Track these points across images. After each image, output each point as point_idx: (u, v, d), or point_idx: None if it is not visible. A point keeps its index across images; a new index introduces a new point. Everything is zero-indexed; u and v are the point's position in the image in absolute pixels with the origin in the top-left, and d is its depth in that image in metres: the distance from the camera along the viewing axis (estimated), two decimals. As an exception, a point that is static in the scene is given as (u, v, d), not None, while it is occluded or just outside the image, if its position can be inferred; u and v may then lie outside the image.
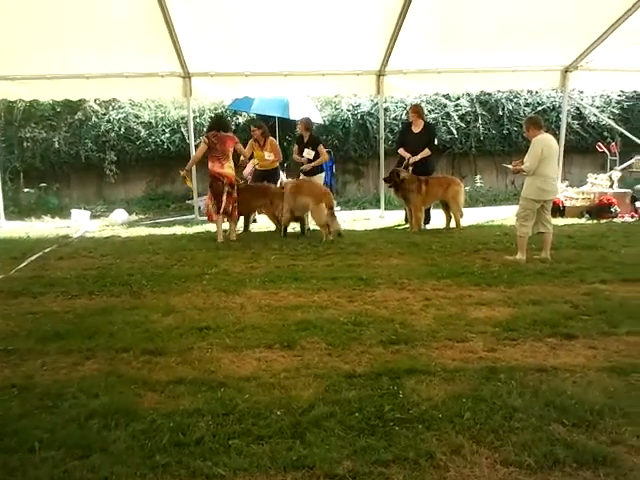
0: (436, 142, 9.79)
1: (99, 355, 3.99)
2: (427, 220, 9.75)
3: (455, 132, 14.24)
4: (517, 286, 5.61)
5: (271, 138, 9.84)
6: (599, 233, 8.61)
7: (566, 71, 10.97)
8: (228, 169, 8.37)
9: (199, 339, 4.27)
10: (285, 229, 8.90)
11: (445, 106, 14.45)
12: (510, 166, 7.15)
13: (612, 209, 10.14)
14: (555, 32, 9.49)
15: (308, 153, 9.34)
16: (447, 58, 10.23)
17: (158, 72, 10.39)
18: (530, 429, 2.87)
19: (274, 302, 5.23)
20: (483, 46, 9.89)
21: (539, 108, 14.36)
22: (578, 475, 2.53)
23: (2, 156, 12.04)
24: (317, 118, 13.22)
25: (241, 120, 14.36)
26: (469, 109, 14.46)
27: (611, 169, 11.24)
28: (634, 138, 11.76)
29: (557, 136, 9.72)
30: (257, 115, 13.60)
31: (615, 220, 9.93)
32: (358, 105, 14.41)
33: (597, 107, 14.27)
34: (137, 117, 14.15)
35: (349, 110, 14.39)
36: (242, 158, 9.18)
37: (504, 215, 10.54)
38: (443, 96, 14.24)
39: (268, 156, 9.50)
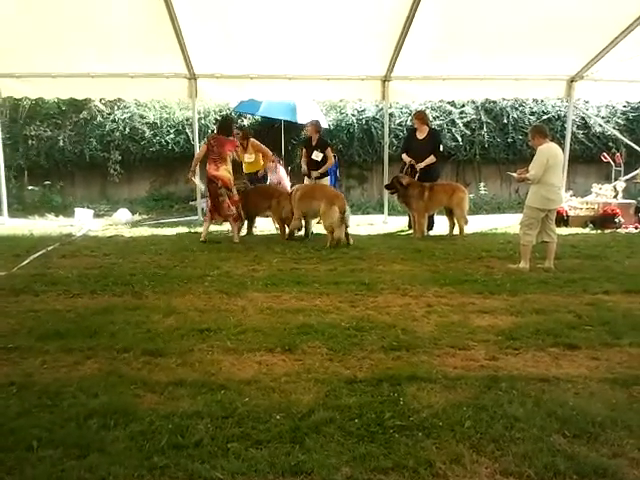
0: (442, 149, 9.77)
1: (99, 355, 3.98)
2: (431, 226, 9.75)
3: (460, 139, 14.25)
4: (520, 295, 5.58)
5: (252, 140, 9.79)
6: (603, 243, 8.59)
7: (572, 81, 10.98)
8: (223, 172, 8.33)
9: (200, 341, 4.26)
10: (292, 234, 8.82)
11: (450, 113, 14.46)
12: (515, 174, 7.13)
13: (616, 219, 10.13)
14: (561, 42, 9.51)
15: (316, 155, 9.40)
16: (453, 65, 10.24)
17: (164, 73, 10.43)
18: (531, 439, 2.85)
19: (276, 305, 5.22)
20: (489, 54, 9.91)
21: (544, 117, 14.36)
22: (579, 487, 2.51)
23: (7, 154, 12.05)
24: (323, 122, 13.24)
25: (246, 123, 14.36)
26: (474, 116, 14.47)
27: (616, 179, 11.22)
28: (639, 149, 11.75)
29: (562, 145, 9.71)
30: (263, 118, 13.62)
31: (619, 231, 9.92)
32: (363, 110, 14.43)
33: (602, 117, 14.25)
34: (142, 117, 14.19)
35: (354, 115, 14.42)
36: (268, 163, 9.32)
37: (508, 223, 10.51)
38: (448, 103, 14.26)
39: (248, 158, 9.55)
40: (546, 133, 6.81)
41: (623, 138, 12.75)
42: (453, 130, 14.30)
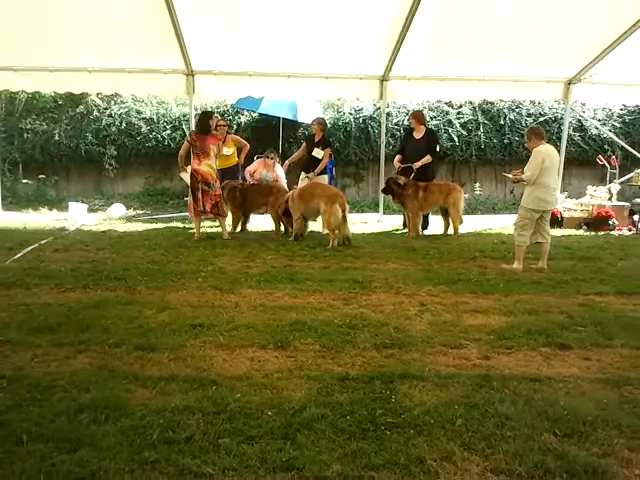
0: (438, 149, 9.79)
1: (91, 349, 3.96)
2: (425, 226, 9.76)
3: (456, 140, 14.29)
4: (513, 295, 5.59)
5: (231, 135, 10.03)
6: (596, 245, 8.62)
7: (569, 83, 11.01)
8: (205, 166, 8.25)
9: (192, 336, 4.24)
10: (297, 236, 8.60)
11: (447, 113, 14.50)
12: (510, 175, 7.15)
13: (610, 222, 10.17)
14: (559, 45, 9.53)
15: (317, 152, 9.40)
16: (451, 66, 10.26)
17: (162, 69, 10.41)
18: (522, 438, 2.85)
19: (269, 302, 5.21)
20: (487, 55, 9.93)
21: (541, 119, 14.41)
22: (569, 486, 2.52)
23: (2, 147, 12.01)
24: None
25: (243, 120, 14.35)
26: (471, 117, 14.52)
27: (611, 182, 11.27)
28: (634, 152, 11.80)
29: (558, 147, 9.73)
30: (261, 115, 13.61)
31: (612, 233, 9.96)
32: (360, 109, 14.46)
33: (599, 120, 14.32)
34: (139, 113, 14.18)
35: (351, 114, 14.44)
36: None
37: (502, 224, 10.55)
38: (445, 103, 14.31)
39: (226, 151, 9.53)
40: (542, 135, 6.82)
41: (619, 141, 12.80)
42: (450, 130, 14.35)
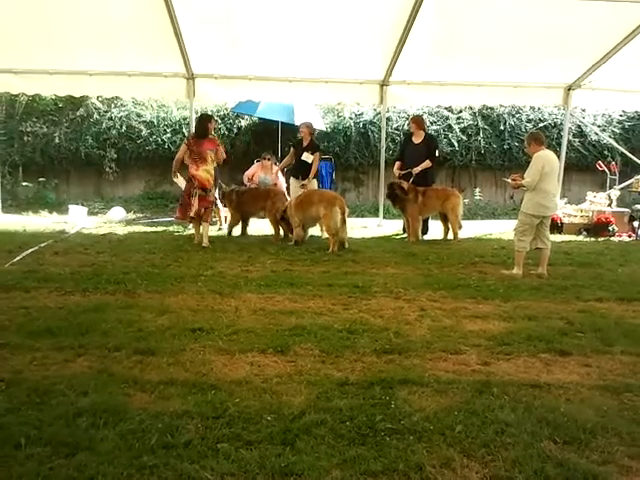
0: (437, 154, 9.80)
1: (90, 353, 3.95)
2: (425, 231, 9.77)
3: (456, 145, 14.30)
4: (513, 301, 5.59)
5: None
6: (596, 251, 8.62)
7: (569, 89, 11.03)
8: (202, 172, 8.16)
9: (192, 341, 4.24)
10: (296, 242, 8.57)
11: (447, 118, 14.51)
12: (509, 180, 7.15)
13: (610, 228, 10.18)
14: (559, 50, 9.55)
15: (307, 157, 9.41)
16: (451, 71, 10.27)
17: (162, 72, 10.40)
18: (521, 445, 2.85)
19: (269, 306, 5.21)
20: (487, 61, 9.95)
21: (541, 124, 14.41)
22: (568, 493, 2.51)
23: (2, 149, 12.01)
24: (320, 125, 13.25)
25: (243, 124, 14.36)
26: (471, 122, 14.53)
27: (610, 188, 11.28)
28: (634, 158, 11.81)
29: (558, 153, 9.73)
30: (260, 119, 13.62)
31: (612, 239, 9.97)
32: (361, 114, 14.47)
33: (598, 126, 14.34)
34: (139, 116, 14.17)
35: (351, 118, 14.45)
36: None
37: (502, 229, 10.56)
38: (445, 108, 14.33)
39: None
40: (542, 140, 6.83)
41: (619, 147, 12.81)
42: (450, 135, 14.35)
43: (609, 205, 10.79)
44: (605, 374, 3.82)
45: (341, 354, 4.03)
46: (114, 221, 10.97)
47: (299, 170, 9.57)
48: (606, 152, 14.30)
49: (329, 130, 14.22)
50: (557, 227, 10.21)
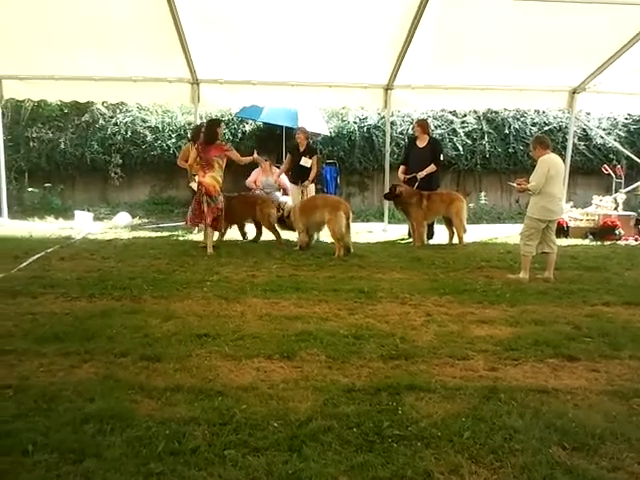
0: (442, 158, 9.79)
1: (97, 359, 3.95)
2: (430, 235, 9.75)
3: (461, 149, 14.27)
4: (519, 305, 5.57)
5: None
6: (603, 255, 8.59)
7: (574, 92, 11.03)
8: (209, 179, 8.10)
9: (198, 346, 4.24)
10: (301, 247, 8.58)
11: (452, 122, 14.50)
12: (515, 184, 7.14)
13: (616, 231, 10.14)
14: (563, 54, 9.56)
15: (305, 161, 9.43)
16: (455, 75, 10.28)
17: (167, 77, 10.46)
18: (530, 451, 2.83)
19: (275, 312, 5.20)
20: (491, 64, 9.96)
21: (545, 128, 14.40)
22: (578, 500, 2.50)
23: (8, 155, 12.06)
24: (324, 129, 13.28)
25: (248, 128, 14.39)
26: (475, 126, 14.51)
27: (616, 191, 11.24)
28: (640, 161, 11.78)
29: (563, 157, 9.73)
30: (264, 124, 13.65)
31: (619, 243, 9.92)
32: (365, 118, 14.47)
33: (603, 129, 14.30)
34: (144, 121, 14.20)
35: (356, 122, 14.45)
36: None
37: (508, 233, 10.53)
38: (450, 112, 14.31)
39: None
40: (547, 144, 6.82)
41: (624, 150, 12.78)
42: (454, 139, 14.33)
43: (615, 209, 10.75)
44: (613, 379, 3.80)
45: (347, 360, 4.02)
46: (120, 226, 11.00)
47: (298, 176, 9.58)
48: (611, 155, 14.26)
49: (333, 134, 14.22)
50: (563, 231, 10.17)
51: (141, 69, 10.12)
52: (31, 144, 13.84)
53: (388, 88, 10.79)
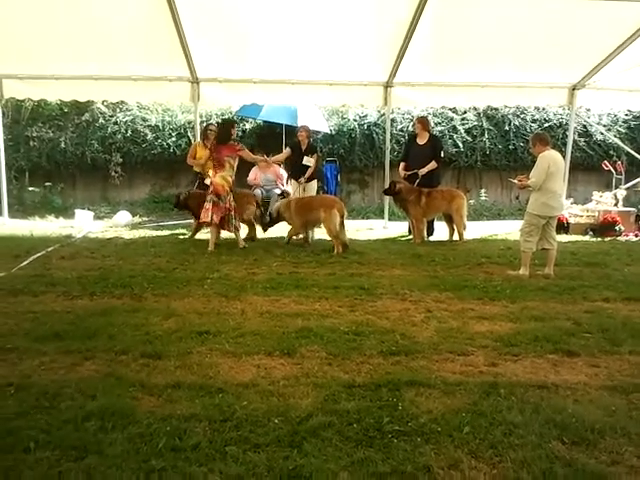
0: (442, 155, 9.79)
1: (98, 356, 3.96)
2: (431, 232, 9.76)
3: (461, 146, 14.28)
4: (519, 301, 5.58)
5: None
6: (603, 251, 8.60)
7: (574, 89, 11.01)
8: (218, 178, 8.13)
9: (199, 343, 4.25)
10: (289, 240, 8.81)
11: (452, 119, 14.50)
12: (515, 181, 7.14)
13: (616, 227, 10.15)
14: (563, 50, 9.54)
15: (308, 160, 9.43)
16: (455, 72, 10.27)
17: (167, 76, 10.47)
18: (529, 446, 2.84)
19: (275, 309, 5.21)
20: (491, 61, 9.95)
21: (546, 125, 14.41)
22: (577, 494, 2.51)
23: (8, 154, 12.08)
24: (324, 127, 13.27)
25: (248, 127, 14.40)
26: (476, 123, 14.52)
27: (616, 187, 11.23)
28: (640, 157, 11.77)
29: (563, 153, 9.73)
30: (265, 122, 13.65)
31: (619, 238, 9.94)
32: (365, 115, 14.48)
33: (604, 125, 14.30)
34: (144, 120, 14.23)
35: (356, 120, 14.45)
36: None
37: (508, 229, 10.54)
38: (450, 109, 14.33)
39: None
40: (547, 141, 6.82)
41: (624, 146, 12.77)
42: (455, 136, 14.33)
43: (615, 205, 10.75)
44: (613, 374, 3.80)
45: (348, 356, 4.03)
46: (120, 225, 11.02)
47: (301, 174, 9.58)
48: (612, 152, 14.27)
49: (333, 132, 14.22)
50: (563, 227, 10.19)
51: (141, 68, 10.11)
52: (31, 143, 13.87)
53: (388, 85, 10.78)
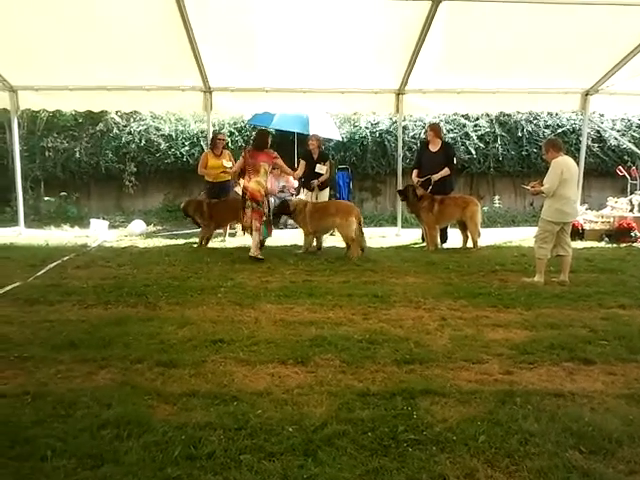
0: (455, 161, 9.77)
1: (113, 365, 3.99)
2: (444, 239, 9.72)
3: (474, 152, 14.24)
4: (534, 309, 5.54)
5: (227, 150, 10.30)
6: (618, 257, 8.51)
7: (587, 94, 10.94)
8: (253, 184, 8.18)
9: (213, 352, 4.26)
10: (306, 250, 8.78)
11: (464, 126, 14.47)
12: (528, 187, 7.11)
13: (632, 233, 10.04)
14: (576, 55, 9.49)
15: (320, 168, 9.55)
16: (467, 78, 10.24)
17: (180, 86, 10.56)
18: (546, 455, 2.82)
19: (289, 317, 5.22)
20: (503, 67, 9.91)
21: (559, 130, 14.33)
22: (595, 504, 2.48)
23: (24, 165, 12.23)
24: (336, 135, 13.30)
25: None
26: (488, 129, 14.47)
27: (631, 193, 11.14)
28: (655, 162, 11.67)
29: (577, 159, 9.67)
30: (277, 130, 13.71)
31: (635, 244, 9.82)
32: (377, 123, 14.49)
33: (617, 130, 14.20)
34: (157, 129, 14.36)
35: (367, 128, 14.48)
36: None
37: (522, 236, 10.46)
38: (462, 116, 14.30)
39: (227, 163, 9.70)
40: (560, 146, 6.78)
41: (638, 151, 12.66)
42: (467, 143, 14.31)
43: (631, 210, 10.65)
44: (630, 382, 3.76)
45: (362, 364, 4.02)
46: (134, 234, 11.08)
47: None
48: (626, 157, 14.16)
49: (345, 140, 14.25)
50: (578, 233, 10.10)
51: (154, 78, 10.22)
52: (47, 154, 14.03)
53: (400, 93, 10.79)
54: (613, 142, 14.29)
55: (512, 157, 14.44)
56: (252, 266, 7.69)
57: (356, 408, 3.32)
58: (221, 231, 10.31)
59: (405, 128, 13.65)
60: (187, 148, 14.17)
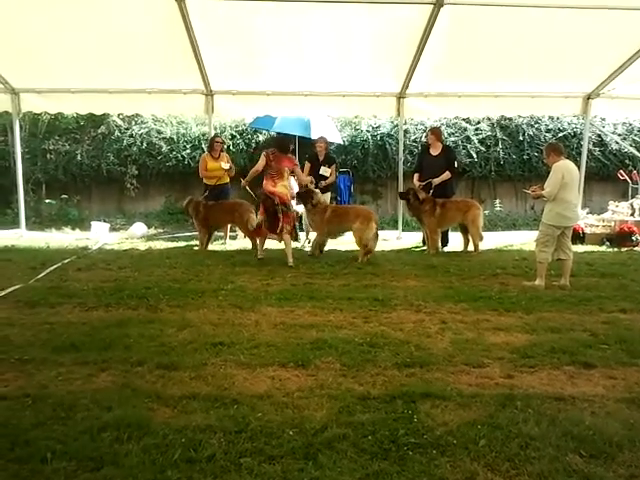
0: (456, 165, 9.77)
1: (114, 367, 3.99)
2: (445, 242, 9.72)
3: (475, 156, 14.24)
4: (535, 312, 5.53)
5: (224, 153, 10.34)
6: (619, 261, 8.51)
7: (588, 98, 10.96)
8: (281, 188, 8.11)
9: (213, 355, 4.26)
10: (316, 249, 8.86)
11: (465, 130, 14.48)
12: (529, 191, 7.11)
13: (633, 237, 10.04)
14: (577, 59, 9.52)
15: (325, 171, 9.58)
16: (468, 82, 10.27)
17: (181, 89, 10.60)
18: (547, 459, 2.81)
19: (289, 320, 5.21)
20: (504, 71, 9.94)
21: (560, 134, 14.33)
22: (596, 509, 2.47)
23: (26, 167, 12.25)
24: (337, 138, 13.30)
25: (262, 138, 14.48)
26: (489, 133, 14.48)
27: (633, 197, 11.13)
28: (656, 166, 11.67)
29: (578, 163, 9.67)
30: (278, 134, 13.70)
31: (636, 249, 9.81)
32: (378, 126, 14.50)
33: (619, 134, 14.20)
34: (159, 132, 14.37)
35: (369, 131, 14.48)
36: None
37: (523, 240, 10.46)
38: (463, 120, 14.29)
39: (224, 165, 9.74)
40: (561, 151, 6.79)
41: (640, 155, 12.67)
42: (468, 147, 14.31)
43: (632, 214, 10.65)
44: (631, 387, 3.76)
45: (362, 368, 4.02)
46: (135, 237, 11.09)
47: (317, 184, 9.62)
48: (627, 161, 14.15)
49: (347, 143, 14.26)
50: (579, 237, 10.09)
51: (156, 81, 10.24)
52: (48, 156, 14.06)
53: (401, 97, 10.81)
54: (614, 146, 14.29)
55: (513, 161, 14.44)
56: (253, 269, 7.70)
57: (356, 411, 3.32)
58: (222, 234, 10.32)
59: (406, 132, 13.66)
60: (188, 151, 14.18)
